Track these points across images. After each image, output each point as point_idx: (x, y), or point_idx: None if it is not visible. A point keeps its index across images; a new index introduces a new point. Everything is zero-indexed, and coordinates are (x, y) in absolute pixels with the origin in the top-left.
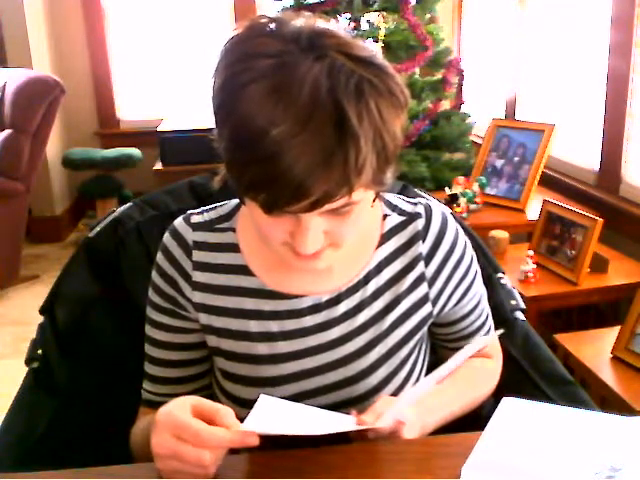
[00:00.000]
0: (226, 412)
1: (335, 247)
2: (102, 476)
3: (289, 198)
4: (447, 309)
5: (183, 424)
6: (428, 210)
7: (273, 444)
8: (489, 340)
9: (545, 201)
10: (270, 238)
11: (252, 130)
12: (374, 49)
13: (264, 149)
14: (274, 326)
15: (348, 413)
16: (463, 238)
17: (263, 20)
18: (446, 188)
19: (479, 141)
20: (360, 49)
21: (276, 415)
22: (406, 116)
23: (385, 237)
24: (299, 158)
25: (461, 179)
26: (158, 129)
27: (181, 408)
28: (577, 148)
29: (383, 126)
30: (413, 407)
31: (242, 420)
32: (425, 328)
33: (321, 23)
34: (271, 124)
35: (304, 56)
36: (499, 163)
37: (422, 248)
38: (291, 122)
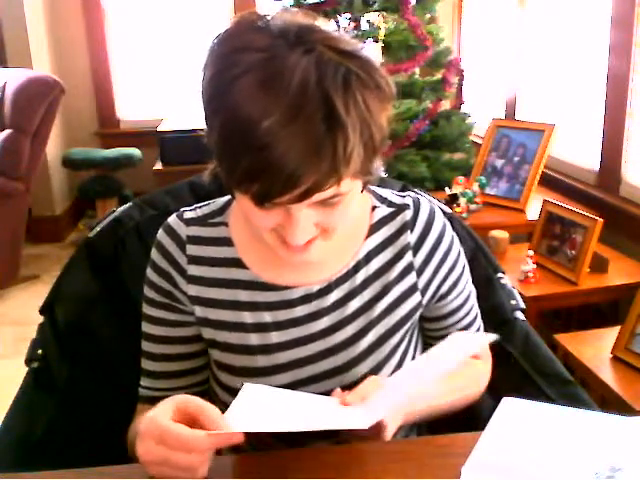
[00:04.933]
0: (211, 412)
1: (325, 237)
2: (102, 476)
3: (280, 188)
4: (436, 300)
5: (165, 430)
6: (416, 202)
7: (261, 442)
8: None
9: (545, 201)
10: (260, 229)
11: (243, 122)
12: (359, 43)
13: (255, 140)
14: (267, 317)
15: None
16: (450, 232)
17: (251, 16)
18: (446, 188)
19: (479, 141)
20: (346, 43)
21: (259, 405)
22: (392, 108)
23: (374, 228)
24: (289, 148)
25: (461, 179)
26: (158, 129)
27: (163, 413)
28: (577, 148)
29: (370, 117)
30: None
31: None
32: (415, 317)
33: (307, 19)
34: (261, 115)
35: (292, 50)
36: (499, 163)
37: (410, 238)
38: (281, 113)
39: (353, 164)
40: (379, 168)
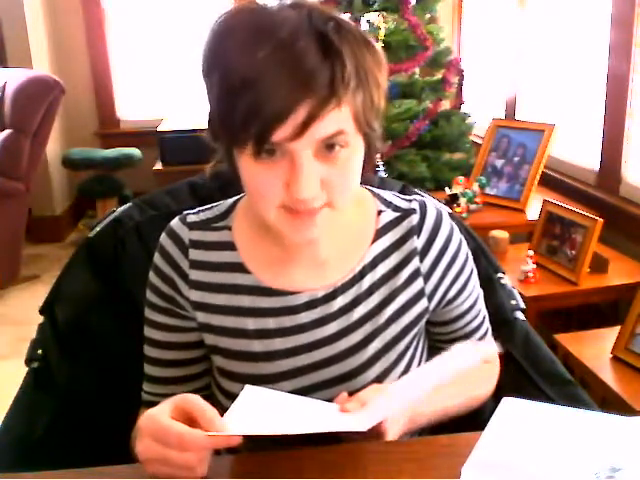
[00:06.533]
0: (209, 412)
1: (330, 207)
2: (102, 476)
3: (278, 118)
4: (443, 305)
5: (164, 428)
6: (423, 206)
7: (258, 445)
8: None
9: (545, 201)
10: (265, 200)
11: (238, 63)
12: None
13: (250, 74)
14: (271, 323)
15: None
16: (458, 235)
17: (251, 5)
18: (446, 188)
19: (479, 141)
20: (335, 12)
21: (259, 408)
22: (386, 77)
23: (380, 233)
24: (286, 77)
25: (461, 179)
26: (158, 129)
27: (163, 411)
28: (577, 148)
29: (363, 60)
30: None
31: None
32: (422, 323)
33: None
34: (255, 51)
35: (284, 7)
36: (499, 163)
37: (417, 243)
38: (274, 46)
39: (351, 96)
40: (380, 131)
